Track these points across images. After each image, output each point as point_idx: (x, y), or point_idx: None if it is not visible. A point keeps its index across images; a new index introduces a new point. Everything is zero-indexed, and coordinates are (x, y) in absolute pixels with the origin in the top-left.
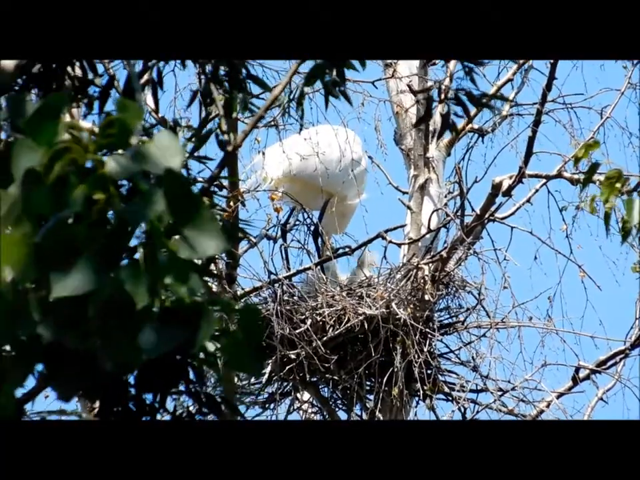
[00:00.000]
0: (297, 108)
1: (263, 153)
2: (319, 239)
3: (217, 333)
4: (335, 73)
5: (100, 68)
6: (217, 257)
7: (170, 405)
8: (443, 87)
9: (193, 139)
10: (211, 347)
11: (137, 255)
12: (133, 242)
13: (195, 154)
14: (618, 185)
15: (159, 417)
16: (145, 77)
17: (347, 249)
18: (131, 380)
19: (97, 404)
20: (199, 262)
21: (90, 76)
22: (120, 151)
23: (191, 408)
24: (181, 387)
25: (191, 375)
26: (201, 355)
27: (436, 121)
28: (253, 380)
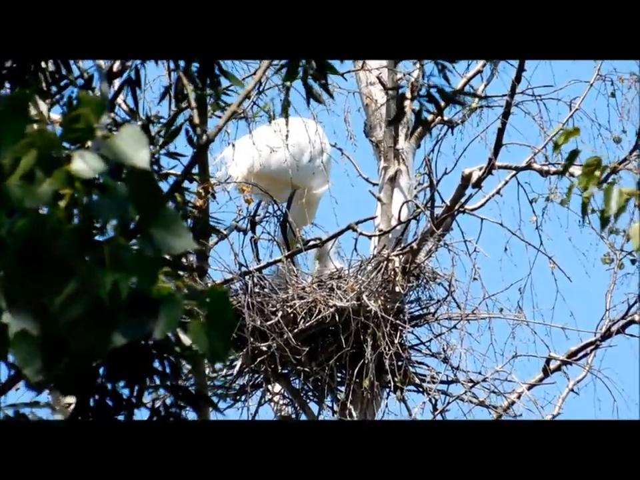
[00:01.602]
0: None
1: (233, 145)
2: (287, 230)
3: (187, 321)
4: (315, 66)
5: (74, 65)
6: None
7: (147, 398)
8: (414, 82)
9: (162, 133)
10: (186, 340)
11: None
12: (100, 238)
13: (166, 149)
14: (597, 173)
15: (136, 411)
16: (124, 75)
17: (317, 241)
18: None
19: (71, 399)
20: (168, 257)
21: (63, 72)
22: (86, 145)
23: (167, 401)
24: (157, 381)
25: (167, 369)
26: (177, 349)
27: (406, 114)
28: (224, 371)
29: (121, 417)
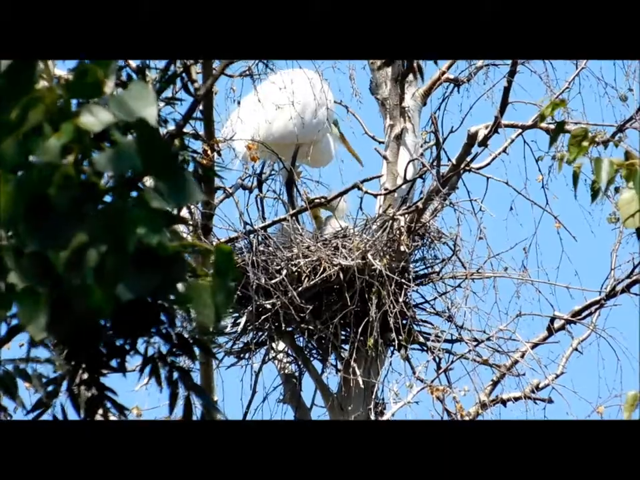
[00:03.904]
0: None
1: (239, 103)
2: (294, 188)
3: (189, 276)
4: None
5: None
6: (192, 207)
7: (141, 346)
8: None
9: (160, 82)
10: (181, 287)
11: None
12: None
13: (163, 96)
14: (585, 144)
15: (129, 358)
16: None
17: (322, 199)
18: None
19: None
20: (172, 210)
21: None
22: (94, 100)
23: (162, 350)
24: (152, 329)
25: (162, 317)
26: (171, 297)
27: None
28: (224, 323)
29: (113, 363)
